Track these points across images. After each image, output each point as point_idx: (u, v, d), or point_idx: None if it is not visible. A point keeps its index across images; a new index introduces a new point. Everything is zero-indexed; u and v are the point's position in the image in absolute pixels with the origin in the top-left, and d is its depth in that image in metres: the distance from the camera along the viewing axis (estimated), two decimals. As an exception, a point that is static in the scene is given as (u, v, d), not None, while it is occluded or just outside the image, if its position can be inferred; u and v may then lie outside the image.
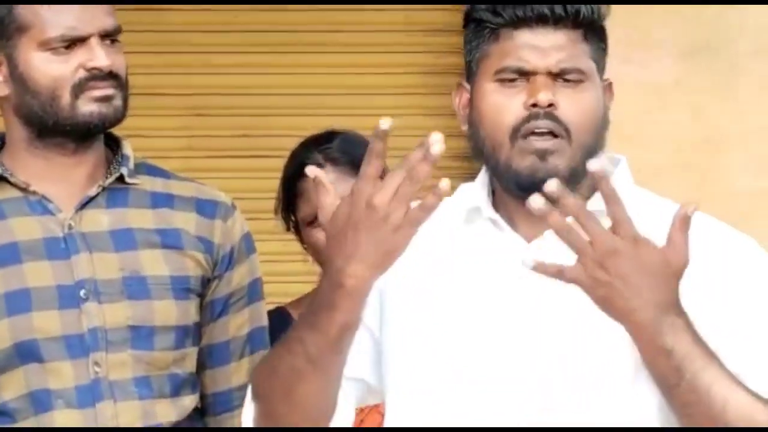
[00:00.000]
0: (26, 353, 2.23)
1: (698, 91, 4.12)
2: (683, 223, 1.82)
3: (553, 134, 1.94)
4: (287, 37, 4.26)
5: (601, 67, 2.01)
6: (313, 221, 2.66)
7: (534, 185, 1.88)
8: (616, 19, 4.14)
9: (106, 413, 2.25)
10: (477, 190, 2.04)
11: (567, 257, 1.96)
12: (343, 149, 2.69)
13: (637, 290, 1.81)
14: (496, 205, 2.03)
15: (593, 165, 1.75)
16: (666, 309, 1.83)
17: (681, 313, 1.85)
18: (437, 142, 1.71)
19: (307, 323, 1.91)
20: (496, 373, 1.94)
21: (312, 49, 4.28)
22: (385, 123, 1.73)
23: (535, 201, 1.74)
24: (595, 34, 2.00)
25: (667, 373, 1.86)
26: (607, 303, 1.82)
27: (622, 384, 1.94)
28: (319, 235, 2.64)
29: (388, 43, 4.28)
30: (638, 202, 2.02)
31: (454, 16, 4.19)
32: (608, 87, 2.04)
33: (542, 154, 1.93)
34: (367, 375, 2.07)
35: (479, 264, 2.00)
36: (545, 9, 1.94)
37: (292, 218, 2.73)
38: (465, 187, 2.06)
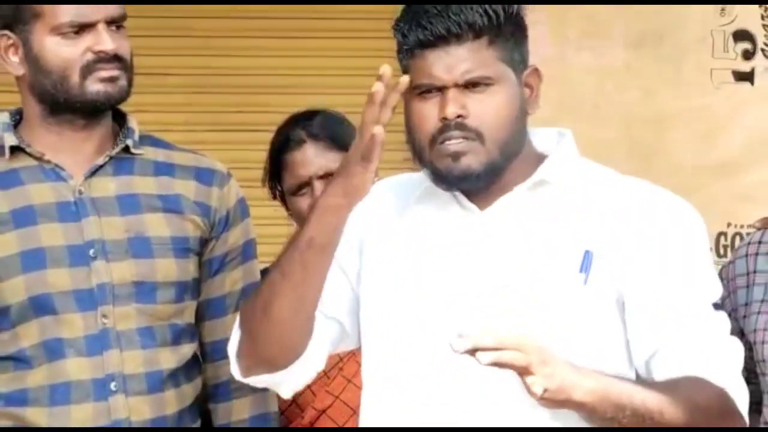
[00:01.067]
0: (40, 306, 2.22)
1: (646, 75, 4.12)
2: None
3: (465, 139, 1.94)
4: (278, 23, 4.24)
5: (516, 62, 2.00)
6: (296, 191, 2.65)
7: (451, 182, 1.97)
8: (573, 12, 4.16)
9: (113, 360, 2.23)
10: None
11: (518, 224, 1.97)
12: (322, 125, 2.67)
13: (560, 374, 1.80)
14: None
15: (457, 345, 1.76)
16: (577, 375, 1.83)
17: (586, 373, 1.84)
18: (385, 68, 1.82)
19: (286, 244, 1.98)
20: (447, 315, 1.94)
21: (300, 34, 4.26)
22: (385, 68, 1.83)
23: (459, 346, 1.75)
24: (500, 36, 1.97)
25: (602, 415, 1.85)
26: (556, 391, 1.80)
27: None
28: (300, 204, 2.64)
29: (367, 29, 4.23)
30: (581, 170, 2.04)
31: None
32: (533, 73, 2.02)
33: (455, 156, 1.94)
34: (342, 317, 2.08)
35: (440, 227, 2.01)
36: (442, 30, 1.93)
37: (278, 187, 2.70)
38: None
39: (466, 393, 1.93)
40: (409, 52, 1.96)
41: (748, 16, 4.13)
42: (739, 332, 2.15)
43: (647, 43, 4.12)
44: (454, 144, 1.93)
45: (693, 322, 1.95)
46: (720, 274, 2.19)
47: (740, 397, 1.95)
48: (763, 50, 4.15)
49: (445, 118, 1.93)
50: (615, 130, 4.02)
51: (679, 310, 1.95)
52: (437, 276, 1.97)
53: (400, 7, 4.17)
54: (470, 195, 2.01)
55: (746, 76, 4.16)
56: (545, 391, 1.76)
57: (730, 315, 2.18)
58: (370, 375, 2.06)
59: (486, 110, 1.94)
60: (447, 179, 1.96)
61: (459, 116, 1.93)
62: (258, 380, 2.06)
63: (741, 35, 4.15)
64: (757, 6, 4.12)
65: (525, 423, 1.92)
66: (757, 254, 2.28)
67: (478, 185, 1.97)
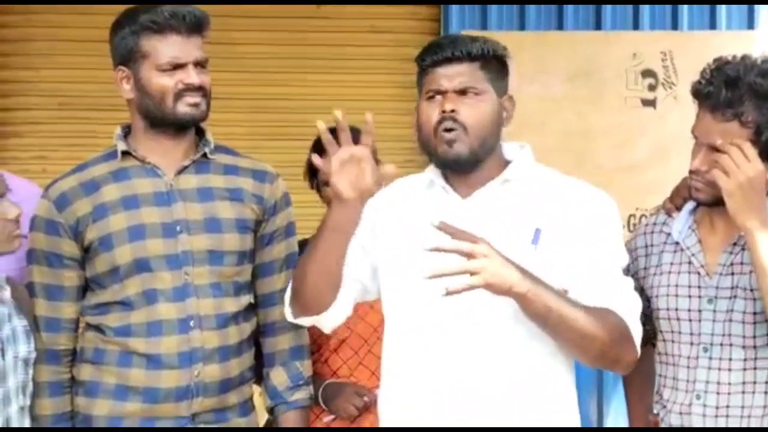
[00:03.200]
0: (141, 266, 2.21)
1: (578, 101, 4.09)
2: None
3: (455, 129, 1.96)
4: (315, 62, 4.22)
5: (499, 87, 2.01)
6: (327, 183, 2.62)
7: (447, 163, 2.00)
8: (527, 55, 4.12)
9: (192, 305, 2.22)
10: (433, 168, 2.08)
11: (489, 209, 1.96)
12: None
13: (505, 266, 1.81)
14: (445, 177, 2.03)
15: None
16: (522, 274, 1.83)
17: (530, 275, 1.84)
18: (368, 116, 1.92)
19: (317, 233, 2.01)
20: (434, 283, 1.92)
21: (331, 70, 4.24)
22: (368, 116, 1.93)
23: (429, 272, 1.80)
24: (489, 64, 2.00)
25: (534, 310, 1.85)
26: (492, 286, 1.81)
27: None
28: (330, 192, 2.62)
29: (379, 68, 4.24)
30: (535, 172, 2.05)
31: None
32: (509, 99, 2.03)
33: (450, 143, 1.97)
34: (363, 279, 2.09)
35: (432, 211, 2.00)
36: (448, 53, 1.97)
37: (315, 180, 2.69)
38: (429, 167, 2.09)
39: (458, 315, 1.95)
40: (424, 70, 2.01)
41: (652, 59, 4.10)
42: (640, 289, 2.14)
43: (579, 78, 4.09)
44: (448, 134, 1.96)
45: (608, 279, 1.96)
46: (626, 246, 2.18)
47: (635, 331, 1.95)
48: (663, 84, 4.11)
49: (443, 111, 1.95)
50: (556, 141, 3.99)
51: (598, 270, 1.95)
52: (432, 243, 1.95)
53: (404, 51, 4.13)
54: (455, 188, 2.02)
55: (650, 103, 4.12)
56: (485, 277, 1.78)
57: (633, 276, 2.19)
58: (389, 315, 2.07)
59: (472, 112, 1.96)
60: (444, 161, 1.99)
61: (453, 110, 1.95)
62: (303, 321, 2.10)
63: (647, 73, 4.12)
64: (658, 52, 4.09)
65: (508, 337, 1.93)
66: (652, 232, 2.27)
67: (464, 166, 1.99)
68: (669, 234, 2.22)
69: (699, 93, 2.05)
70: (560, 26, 4.19)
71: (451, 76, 1.97)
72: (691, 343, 2.14)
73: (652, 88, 4.13)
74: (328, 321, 2.08)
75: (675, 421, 2.16)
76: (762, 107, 2.01)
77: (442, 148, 1.97)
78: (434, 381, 1.96)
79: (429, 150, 2.00)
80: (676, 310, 2.16)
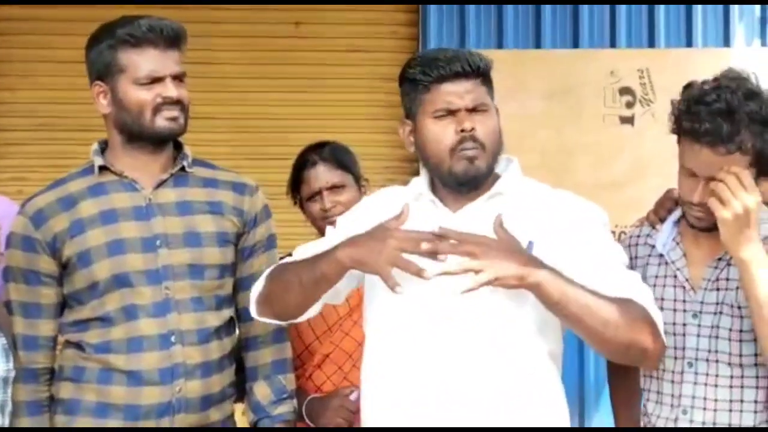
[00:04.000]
0: (121, 281, 2.19)
1: (557, 119, 4.11)
2: (500, 228, 1.84)
3: (475, 148, 1.93)
4: (294, 82, 4.23)
5: (492, 99, 2.00)
6: (309, 198, 2.62)
7: (467, 181, 1.95)
8: (505, 74, 4.15)
9: (173, 320, 2.20)
10: (422, 181, 2.05)
11: (481, 223, 1.95)
12: (330, 151, 2.66)
13: (514, 258, 1.80)
14: (434, 190, 2.02)
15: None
16: (532, 264, 1.81)
17: (541, 263, 1.82)
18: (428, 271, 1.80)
19: (308, 262, 1.96)
20: (430, 283, 1.90)
21: (310, 89, 4.24)
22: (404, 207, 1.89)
23: (429, 273, 1.78)
24: (487, 79, 1.99)
25: (550, 298, 1.82)
26: (501, 280, 1.79)
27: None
28: (313, 208, 2.61)
29: (358, 87, 4.25)
30: (525, 185, 2.04)
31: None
32: (496, 110, 2.02)
33: (471, 160, 1.93)
34: (339, 286, 2.04)
35: (423, 226, 1.96)
36: (458, 67, 1.93)
37: (298, 196, 2.67)
38: (415, 180, 2.07)
39: (443, 323, 1.93)
40: (425, 87, 1.95)
41: (630, 77, 4.12)
42: None
43: (557, 96, 4.11)
44: (470, 151, 1.93)
45: (616, 275, 1.93)
46: None
47: (657, 318, 1.91)
48: (640, 101, 4.13)
49: (463, 131, 1.92)
50: (535, 159, 3.99)
51: (604, 269, 1.92)
52: (422, 258, 1.92)
53: (383, 71, 4.15)
54: (444, 201, 2.00)
55: (628, 120, 4.14)
56: (497, 279, 1.77)
57: None
58: (372, 325, 2.04)
59: (486, 128, 1.94)
60: (463, 178, 1.95)
61: (472, 129, 1.92)
62: (267, 320, 2.10)
63: (625, 91, 4.14)
64: (636, 69, 4.11)
65: (494, 341, 1.90)
66: (636, 245, 2.26)
67: (479, 183, 1.96)
68: (653, 246, 2.20)
69: (693, 131, 2.00)
70: (538, 44, 4.22)
71: (460, 93, 1.93)
72: (675, 358, 2.12)
73: (629, 105, 4.15)
74: (292, 323, 2.11)
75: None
76: (760, 133, 1.99)
77: (461, 166, 1.93)
78: (418, 387, 1.93)
79: (441, 169, 1.96)
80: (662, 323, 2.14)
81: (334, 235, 2.06)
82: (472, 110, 1.93)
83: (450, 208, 1.99)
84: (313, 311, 2.05)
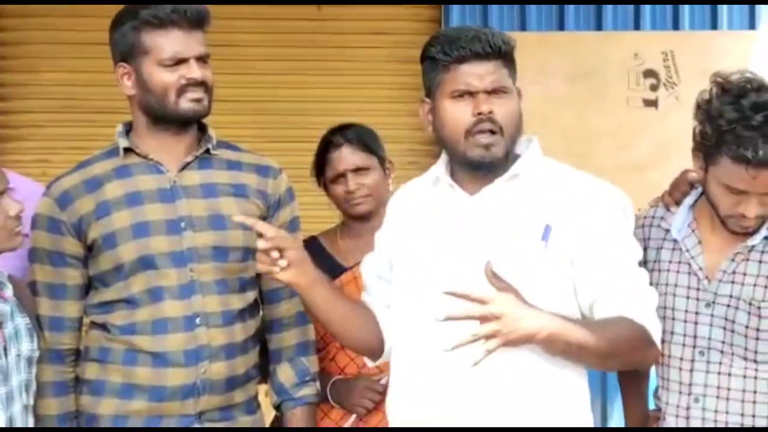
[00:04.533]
0: (146, 263, 2.19)
1: (580, 102, 4.08)
2: (493, 278, 1.82)
3: (492, 132, 1.90)
4: (317, 64, 4.22)
5: (515, 81, 1.97)
6: (334, 180, 2.61)
7: (482, 166, 1.93)
8: (528, 56, 4.12)
9: (197, 303, 2.20)
10: (440, 166, 2.03)
11: (498, 206, 1.93)
12: (355, 133, 2.64)
13: (521, 320, 1.79)
14: (452, 173, 2.00)
15: None
16: (536, 319, 1.80)
17: (545, 315, 1.82)
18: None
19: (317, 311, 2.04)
20: (449, 268, 1.93)
21: (332, 72, 4.23)
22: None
23: (444, 316, 1.77)
24: (509, 60, 1.95)
25: (554, 348, 1.85)
26: (511, 343, 1.79)
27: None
28: (337, 190, 2.61)
29: (380, 70, 4.23)
30: (544, 166, 2.00)
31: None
32: (518, 92, 1.99)
33: (487, 146, 1.91)
34: (390, 298, 2.06)
35: (441, 210, 1.98)
36: (479, 48, 1.90)
37: (322, 177, 2.66)
38: (433, 167, 2.05)
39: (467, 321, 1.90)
40: (445, 66, 1.92)
41: (654, 60, 4.09)
42: None
43: (580, 79, 4.08)
44: (486, 137, 1.90)
45: (623, 276, 1.92)
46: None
47: (656, 332, 1.92)
48: (664, 84, 4.10)
49: (480, 113, 1.89)
50: (557, 142, 3.95)
51: (613, 267, 1.92)
52: (441, 241, 1.94)
53: (406, 53, 4.12)
54: (462, 184, 1.98)
55: (652, 103, 4.12)
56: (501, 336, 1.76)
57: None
58: (398, 318, 2.03)
59: (505, 111, 1.91)
60: (478, 164, 1.93)
61: (490, 112, 1.89)
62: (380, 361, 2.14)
63: (649, 73, 4.11)
64: (660, 52, 4.08)
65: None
66: (650, 226, 2.22)
67: (496, 168, 1.94)
68: (668, 230, 2.16)
69: (743, 157, 1.92)
70: (561, 27, 4.19)
71: (480, 75, 1.90)
72: (684, 345, 2.09)
73: (653, 88, 4.12)
74: (386, 357, 2.11)
75: (671, 423, 2.12)
76: None
77: (476, 152, 1.91)
78: (443, 384, 1.93)
79: (456, 151, 1.94)
80: (673, 309, 2.11)
81: (379, 250, 2.09)
82: (492, 92, 1.90)
83: (467, 190, 1.98)
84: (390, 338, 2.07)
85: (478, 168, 1.93)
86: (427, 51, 1.96)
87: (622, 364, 1.91)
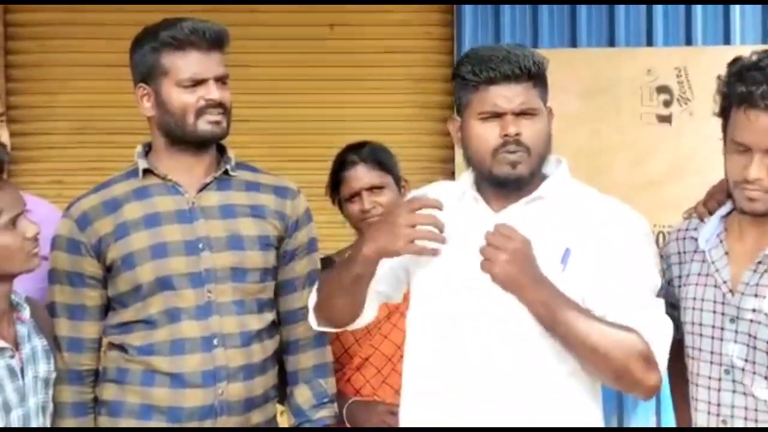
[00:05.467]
0: (164, 284, 2.19)
1: (593, 118, 4.07)
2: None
3: (518, 152, 1.91)
4: (330, 84, 4.22)
5: (545, 101, 1.98)
6: (349, 198, 2.61)
7: (508, 183, 1.95)
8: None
9: (215, 323, 2.20)
10: (465, 179, 2.04)
11: (521, 224, 1.93)
12: (370, 152, 2.64)
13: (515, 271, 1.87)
14: (478, 189, 2.00)
15: None
16: (535, 278, 1.86)
17: (545, 284, 1.86)
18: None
19: (343, 265, 1.99)
20: (469, 284, 1.95)
21: (346, 92, 4.23)
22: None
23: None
24: (540, 81, 1.96)
25: (541, 317, 1.86)
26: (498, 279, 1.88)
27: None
28: (352, 208, 2.60)
29: (393, 88, 4.22)
30: (570, 189, 2.02)
31: (437, 71, 4.15)
32: (550, 111, 2.00)
33: (513, 164, 1.92)
34: (388, 290, 2.09)
35: (464, 224, 1.98)
36: (508, 70, 1.90)
37: (337, 196, 2.66)
38: (463, 176, 2.06)
39: (483, 328, 1.94)
40: (475, 87, 1.93)
41: (667, 75, 4.08)
42: (672, 304, 2.07)
43: (594, 95, 4.07)
44: (513, 156, 1.91)
45: (637, 301, 1.90)
46: (661, 253, 2.12)
47: (660, 355, 1.89)
48: (678, 100, 4.09)
49: (506, 135, 1.90)
50: (571, 159, 3.89)
51: (627, 292, 1.91)
52: (462, 256, 1.94)
53: (418, 71, 4.10)
54: (488, 200, 1.99)
55: (666, 119, 4.10)
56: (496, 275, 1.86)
57: (668, 284, 2.12)
58: (415, 325, 2.04)
59: (533, 133, 1.92)
60: (504, 182, 1.94)
61: (517, 134, 1.90)
62: (326, 329, 2.13)
63: (662, 89, 4.09)
64: (673, 68, 4.07)
65: (531, 353, 1.91)
66: (684, 239, 2.18)
67: (522, 186, 1.95)
68: (697, 241, 2.12)
69: (749, 96, 1.90)
70: (574, 44, 4.18)
71: (509, 97, 1.90)
72: (711, 363, 2.03)
73: (667, 104, 4.11)
74: (352, 328, 2.11)
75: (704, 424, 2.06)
76: None
77: (503, 170, 1.92)
78: (455, 393, 1.93)
79: (483, 169, 1.95)
80: (701, 325, 2.05)
81: None
82: (520, 114, 1.91)
83: (492, 207, 1.98)
84: (367, 316, 2.04)
85: (503, 185, 1.95)
86: (458, 69, 1.98)
87: (615, 373, 1.86)
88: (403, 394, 2.05)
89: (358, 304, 2.01)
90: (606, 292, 1.89)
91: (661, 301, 1.95)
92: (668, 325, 1.93)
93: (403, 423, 2.04)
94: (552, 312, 1.83)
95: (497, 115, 1.91)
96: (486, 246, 1.88)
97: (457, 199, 2.02)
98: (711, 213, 2.13)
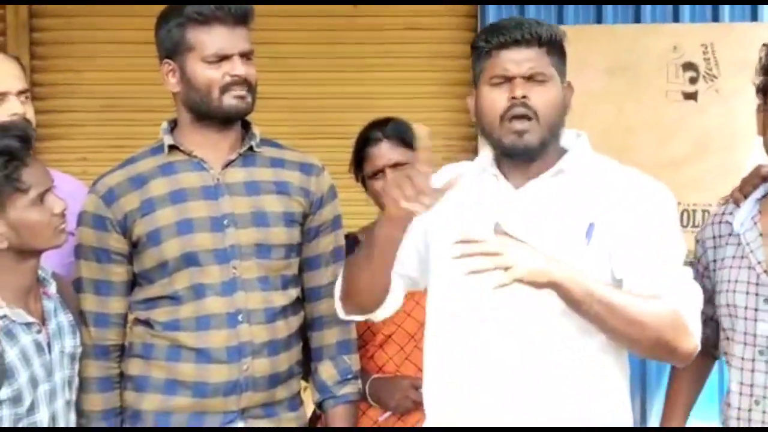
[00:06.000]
0: (190, 260, 2.19)
1: (618, 95, 4.02)
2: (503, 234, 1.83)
3: (527, 117, 1.88)
4: (354, 61, 4.19)
5: (561, 72, 1.95)
6: (372, 176, 2.60)
7: (516, 153, 1.91)
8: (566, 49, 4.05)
9: (240, 299, 2.20)
10: (486, 155, 2.02)
11: (543, 201, 1.90)
12: (394, 128, 2.62)
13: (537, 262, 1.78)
14: (498, 166, 1.99)
15: None
16: (554, 263, 1.79)
17: (561, 263, 1.81)
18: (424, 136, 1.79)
19: (368, 236, 1.96)
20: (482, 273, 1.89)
21: (367, 68, 4.19)
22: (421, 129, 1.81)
23: (457, 251, 1.77)
24: (554, 50, 1.94)
25: (574, 295, 1.81)
26: (531, 276, 1.78)
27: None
28: (376, 185, 2.60)
29: (416, 66, 4.19)
30: (592, 162, 1.99)
31: (461, 48, 4.12)
32: (568, 86, 1.98)
33: (520, 133, 1.89)
34: (413, 273, 2.06)
35: (485, 201, 1.97)
36: (518, 35, 1.89)
37: (360, 173, 2.65)
38: (482, 154, 2.04)
39: (505, 308, 1.91)
40: (488, 53, 1.93)
41: (693, 52, 4.02)
42: (709, 287, 2.07)
43: (619, 72, 4.02)
44: (519, 124, 1.89)
45: (663, 269, 1.89)
46: (696, 237, 2.11)
47: (691, 319, 1.87)
48: (704, 77, 4.02)
49: (514, 98, 1.88)
50: (596, 136, 3.86)
51: (654, 261, 1.89)
52: (483, 235, 1.89)
53: (442, 49, 4.06)
54: (508, 176, 1.97)
55: (692, 96, 4.04)
56: (522, 274, 1.75)
57: (704, 269, 2.11)
58: (435, 305, 2.03)
59: (542, 97, 1.90)
60: (512, 151, 1.92)
61: (524, 97, 1.88)
62: (355, 318, 2.09)
63: (688, 66, 4.03)
64: (699, 44, 4.02)
65: (556, 332, 1.88)
66: (720, 222, 2.18)
67: (532, 156, 1.92)
68: (732, 224, 2.12)
69: None
70: (599, 20, 4.13)
71: (519, 61, 1.89)
72: (745, 344, 2.04)
73: (693, 81, 4.06)
74: (380, 316, 2.08)
75: (733, 425, 2.07)
76: None
77: (510, 138, 1.90)
78: (480, 375, 1.92)
79: (493, 138, 1.93)
80: (735, 306, 2.06)
81: (418, 224, 2.02)
82: (529, 78, 1.89)
83: (513, 183, 1.96)
84: (393, 301, 2.03)
85: (512, 155, 1.92)
86: (474, 42, 1.97)
87: (651, 343, 1.83)
88: (426, 370, 2.04)
89: (382, 286, 1.99)
90: (634, 264, 1.87)
91: (689, 270, 1.94)
92: (698, 291, 1.91)
93: (427, 401, 2.04)
94: (582, 287, 1.79)
95: (508, 80, 1.90)
96: (488, 260, 1.78)
97: (477, 176, 2.01)
98: (746, 197, 2.12)
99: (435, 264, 2.02)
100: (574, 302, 1.80)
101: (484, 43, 1.92)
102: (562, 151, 1.97)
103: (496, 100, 1.90)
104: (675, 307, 1.85)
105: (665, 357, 1.91)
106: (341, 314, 2.08)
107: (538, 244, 1.87)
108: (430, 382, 2.03)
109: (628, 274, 1.88)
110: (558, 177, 1.94)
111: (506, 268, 1.74)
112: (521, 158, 1.92)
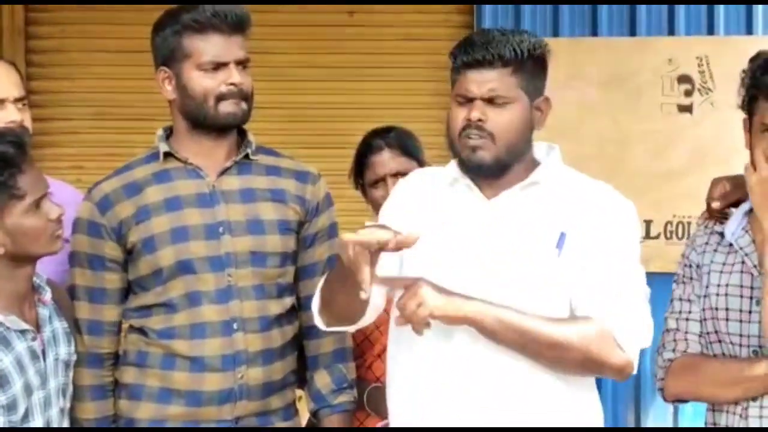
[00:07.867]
0: (185, 268, 2.19)
1: (613, 107, 4.04)
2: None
3: (480, 137, 1.92)
4: (350, 71, 4.21)
5: (533, 90, 1.95)
6: (373, 184, 2.60)
7: (471, 168, 1.96)
8: (561, 61, 4.11)
9: (235, 308, 2.20)
10: (454, 166, 2.03)
11: (515, 212, 1.94)
12: (396, 137, 2.63)
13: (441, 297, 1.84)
14: (471, 175, 2.01)
15: None
16: (461, 298, 1.85)
17: (468, 297, 1.86)
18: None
19: (338, 261, 1.90)
20: (460, 272, 1.93)
21: (363, 78, 4.22)
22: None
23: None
24: (522, 67, 1.92)
25: (486, 327, 1.86)
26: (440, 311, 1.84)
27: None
28: (376, 194, 2.60)
29: (413, 76, 4.21)
30: (563, 175, 2.01)
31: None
32: (545, 101, 1.98)
33: (473, 149, 1.93)
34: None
35: (457, 211, 1.98)
36: (479, 56, 1.90)
37: (360, 181, 2.65)
38: (451, 163, 2.04)
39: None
40: (457, 70, 1.95)
41: (688, 65, 4.04)
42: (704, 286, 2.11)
43: (614, 84, 4.04)
44: (473, 140, 1.92)
45: (610, 292, 1.91)
46: (687, 244, 2.15)
47: (623, 334, 1.89)
48: (699, 90, 4.05)
49: (468, 120, 1.91)
50: (591, 148, 3.93)
51: (603, 283, 1.91)
52: (455, 245, 1.94)
53: (438, 59, 4.08)
54: (482, 188, 1.98)
55: (687, 108, 4.07)
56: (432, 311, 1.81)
57: (698, 267, 2.14)
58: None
59: (500, 120, 1.91)
60: (468, 165, 1.95)
61: (479, 120, 1.91)
62: (335, 329, 2.09)
63: (683, 79, 4.06)
64: (694, 57, 4.04)
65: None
66: (712, 233, 2.20)
67: (488, 173, 1.95)
68: (722, 234, 2.14)
69: None
70: (594, 32, 4.16)
71: (480, 82, 1.91)
72: (740, 345, 2.07)
73: (688, 93, 4.08)
74: (361, 325, 2.07)
75: (730, 422, 2.09)
76: None
77: (465, 153, 1.94)
78: (442, 382, 1.93)
79: (454, 152, 1.98)
80: (726, 309, 2.09)
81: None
82: (488, 101, 1.91)
83: (485, 194, 1.98)
84: (373, 311, 2.03)
85: (469, 170, 1.96)
86: (452, 51, 1.99)
87: (578, 361, 1.87)
88: (389, 381, 2.04)
89: (359, 302, 1.95)
90: (584, 284, 1.90)
91: (646, 290, 1.97)
92: (646, 310, 1.94)
93: (391, 406, 2.04)
94: (496, 318, 1.83)
95: (469, 100, 1.92)
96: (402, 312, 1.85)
97: (448, 185, 2.02)
98: (720, 210, 2.15)
99: (408, 272, 2.02)
100: (489, 333, 1.85)
101: (454, 60, 1.96)
102: (536, 163, 1.99)
103: (457, 118, 1.94)
104: (604, 325, 1.88)
105: (597, 373, 1.94)
106: (321, 327, 2.07)
107: (510, 255, 1.90)
108: (393, 387, 2.04)
109: (576, 294, 1.91)
110: (530, 189, 1.96)
111: (418, 306, 1.79)
112: (476, 173, 1.96)
